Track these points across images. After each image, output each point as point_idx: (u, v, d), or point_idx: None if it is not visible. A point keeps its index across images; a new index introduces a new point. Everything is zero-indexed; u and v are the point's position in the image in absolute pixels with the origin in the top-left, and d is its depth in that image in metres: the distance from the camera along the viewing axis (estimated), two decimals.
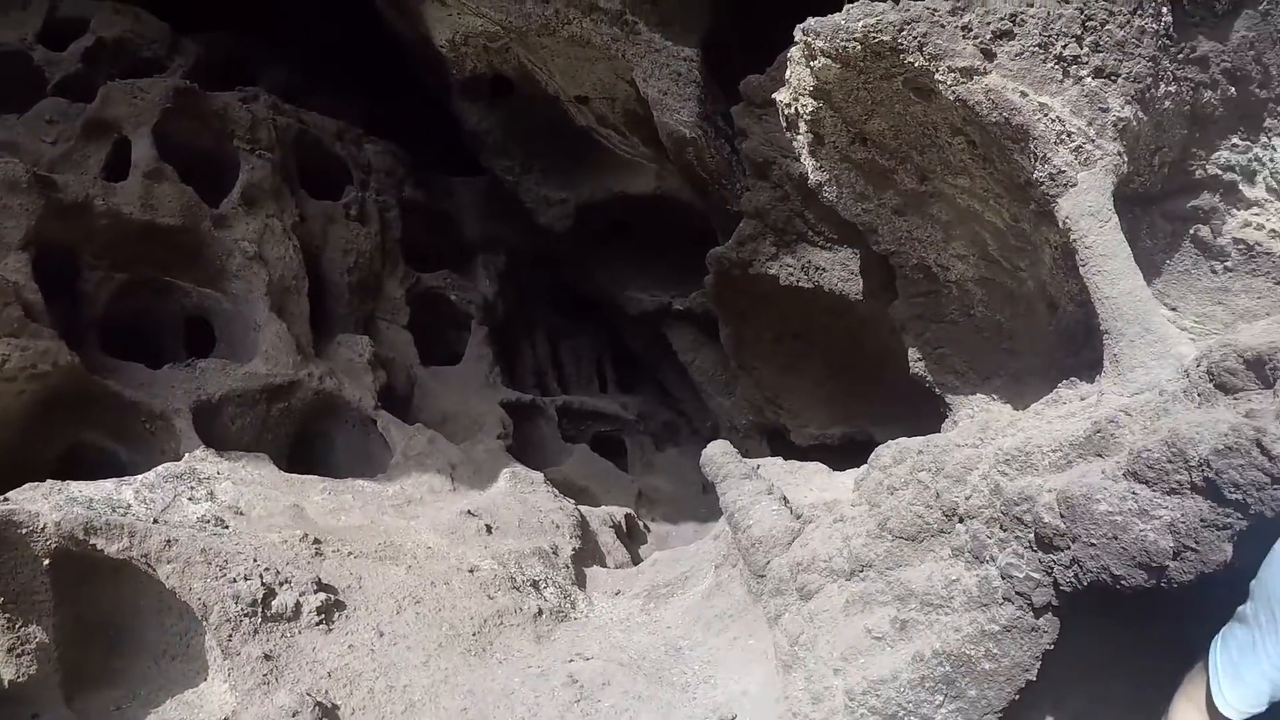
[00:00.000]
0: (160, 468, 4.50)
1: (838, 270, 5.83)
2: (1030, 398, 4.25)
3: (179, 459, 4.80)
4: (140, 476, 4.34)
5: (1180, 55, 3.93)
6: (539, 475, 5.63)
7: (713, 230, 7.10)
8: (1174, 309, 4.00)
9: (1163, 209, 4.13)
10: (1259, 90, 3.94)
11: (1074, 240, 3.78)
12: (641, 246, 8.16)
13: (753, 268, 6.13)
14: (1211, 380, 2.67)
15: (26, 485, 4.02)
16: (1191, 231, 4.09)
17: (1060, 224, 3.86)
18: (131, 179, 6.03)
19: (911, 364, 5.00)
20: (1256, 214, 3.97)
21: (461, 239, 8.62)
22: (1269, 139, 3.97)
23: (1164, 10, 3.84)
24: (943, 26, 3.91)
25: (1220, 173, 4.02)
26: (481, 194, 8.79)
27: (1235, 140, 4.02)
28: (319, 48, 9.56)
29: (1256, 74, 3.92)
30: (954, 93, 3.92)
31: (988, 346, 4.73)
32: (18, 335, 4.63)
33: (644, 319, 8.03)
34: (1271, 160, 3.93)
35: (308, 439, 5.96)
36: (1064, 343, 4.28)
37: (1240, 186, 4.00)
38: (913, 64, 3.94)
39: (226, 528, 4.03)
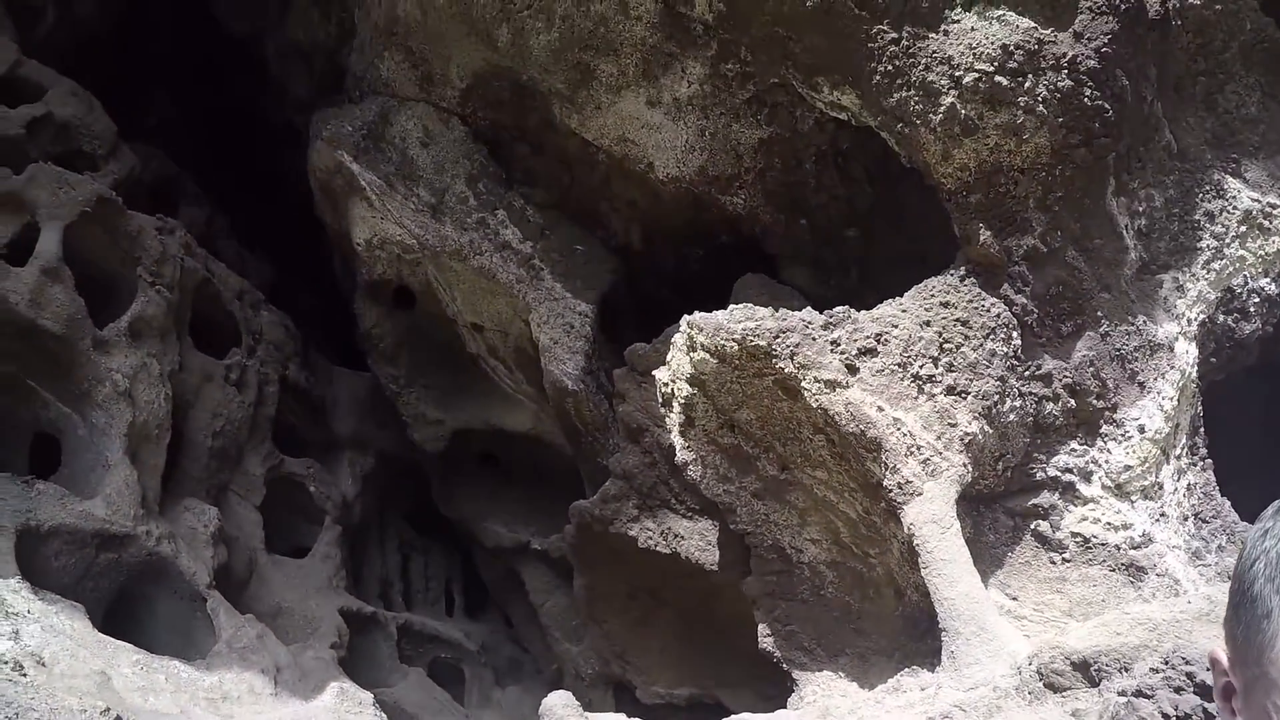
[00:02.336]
0: None
1: (696, 539, 6.07)
2: (876, 677, 4.46)
3: None
4: None
5: (1026, 372, 4.54)
6: (369, 696, 5.29)
7: (581, 479, 7.28)
8: (1014, 598, 4.37)
9: (1005, 506, 4.59)
10: (1096, 401, 4.53)
11: (917, 544, 4.17)
12: (508, 480, 8.20)
13: (614, 526, 6.30)
14: (1041, 679, 2.96)
15: None
16: (1032, 526, 4.53)
17: (905, 528, 4.26)
18: (29, 269, 5.68)
19: (760, 639, 5.15)
20: (1092, 509, 4.46)
21: (332, 431, 8.42)
22: (1104, 443, 4.54)
23: (1014, 334, 4.49)
24: (814, 339, 4.45)
25: (1059, 474, 4.52)
26: (362, 392, 8.71)
27: (1074, 445, 4.56)
28: (247, 199, 9.60)
29: (1095, 387, 4.52)
30: (817, 400, 4.39)
31: (836, 625, 4.96)
32: None
33: (499, 552, 7.96)
34: (1106, 462, 4.49)
35: (129, 599, 5.40)
36: (909, 628, 4.56)
37: (1078, 486, 4.50)
38: (783, 369, 4.42)
39: (25, 676, 3.61)
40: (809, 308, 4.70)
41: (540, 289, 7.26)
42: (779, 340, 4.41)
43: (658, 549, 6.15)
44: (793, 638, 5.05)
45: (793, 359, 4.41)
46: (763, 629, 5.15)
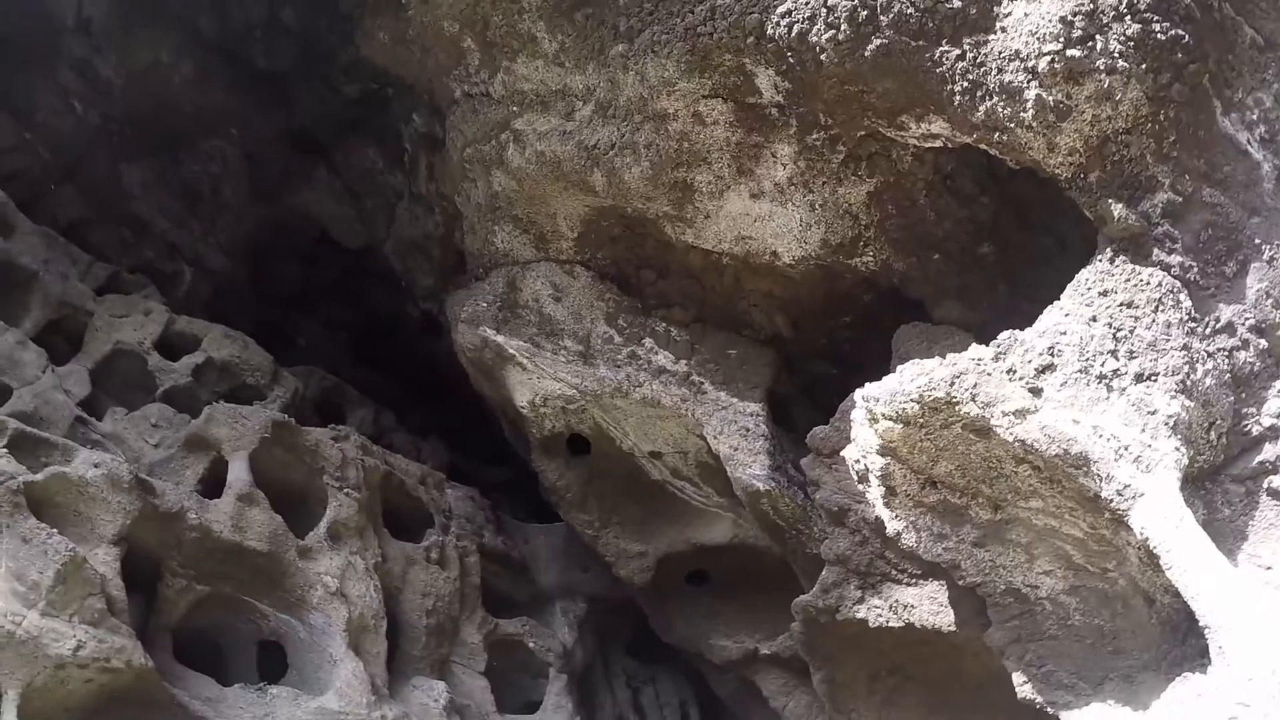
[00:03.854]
0: None
1: (926, 604, 5.82)
2: (1147, 695, 4.14)
3: None
4: None
5: (1207, 330, 4.27)
6: None
7: (792, 573, 7.13)
8: (1268, 567, 3.98)
9: (1231, 475, 4.28)
10: None
11: (1153, 546, 3.89)
12: (722, 593, 8.11)
13: (840, 613, 6.11)
14: None
15: None
16: (1265, 485, 4.21)
17: (1137, 533, 3.98)
18: (225, 499, 6.23)
19: (1018, 689, 4.86)
20: None
21: (539, 586, 8.67)
22: None
23: (1182, 297, 4.23)
24: (989, 375, 4.36)
25: (1275, 421, 4.20)
26: (559, 542, 8.98)
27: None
28: (406, 393, 10.35)
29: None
30: (1011, 434, 4.28)
31: (1092, 653, 4.64)
32: (97, 626, 4.70)
33: (729, 665, 7.81)
34: None
35: None
36: (1169, 634, 4.22)
37: None
38: (969, 414, 4.34)
39: None
40: (974, 344, 4.62)
41: (706, 402, 7.32)
42: (955, 386, 4.36)
43: (890, 625, 5.93)
44: (1051, 678, 4.73)
45: (975, 400, 4.33)
46: (1018, 678, 4.85)
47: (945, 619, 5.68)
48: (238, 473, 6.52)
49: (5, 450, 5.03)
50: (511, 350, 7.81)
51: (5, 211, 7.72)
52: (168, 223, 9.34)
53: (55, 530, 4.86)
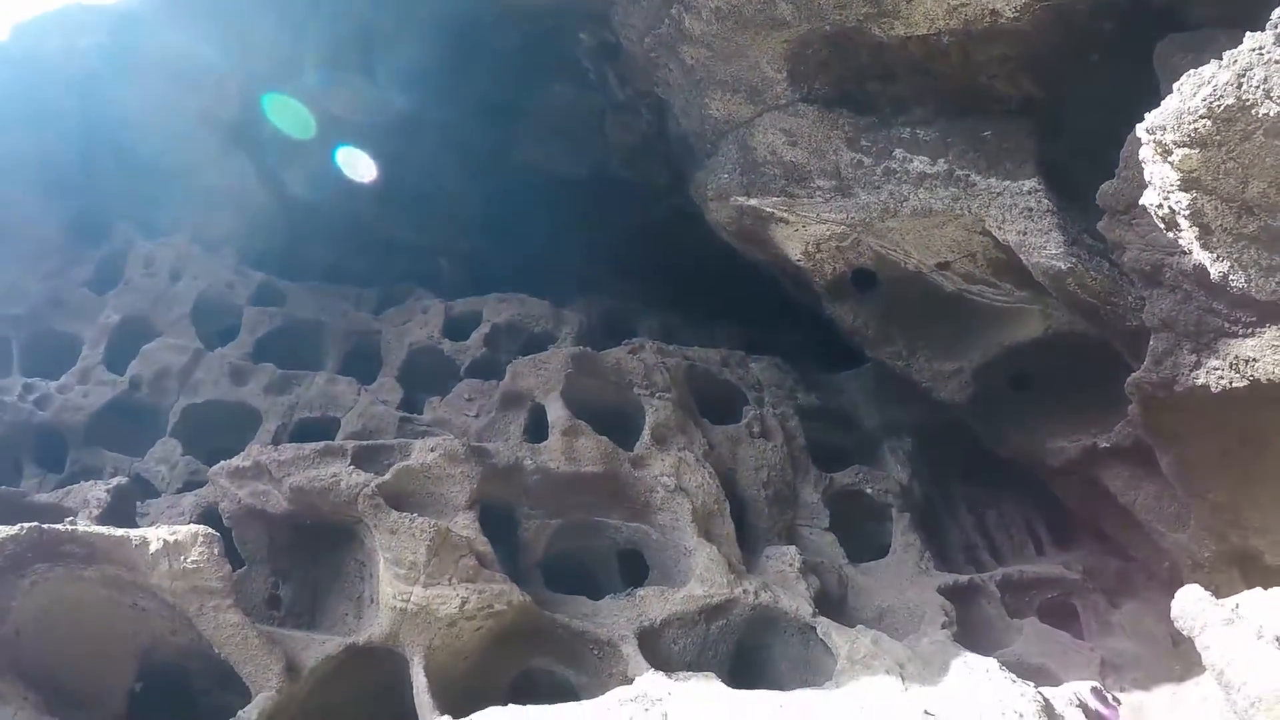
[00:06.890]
0: (615, 692, 4.82)
1: (1269, 355, 5.11)
2: None
3: (627, 681, 5.18)
4: (594, 703, 4.69)
5: None
6: (993, 661, 5.22)
7: (1116, 353, 6.56)
8: None
9: None
10: None
11: None
12: (1048, 392, 7.67)
13: (1178, 384, 5.57)
14: None
15: (487, 710, 4.54)
16: None
17: None
18: (552, 438, 6.95)
19: None
20: None
21: (862, 431, 8.79)
22: None
23: None
24: (1277, 61, 3.78)
25: None
26: (870, 382, 9.00)
27: None
28: (681, 289, 10.74)
29: None
30: None
31: None
32: (473, 581, 5.45)
33: (1070, 467, 7.42)
34: None
35: (746, 652, 6.14)
36: None
37: None
38: (1267, 114, 3.83)
39: None
40: (1247, 33, 3.98)
41: (978, 194, 6.84)
42: (1244, 87, 3.86)
43: (1233, 385, 5.32)
44: None
45: (1270, 97, 3.81)
46: None
47: None
48: (555, 411, 7.20)
49: (352, 467, 5.93)
50: (768, 209, 7.78)
51: (270, 284, 9.13)
52: (407, 231, 10.33)
53: (416, 515, 5.67)
